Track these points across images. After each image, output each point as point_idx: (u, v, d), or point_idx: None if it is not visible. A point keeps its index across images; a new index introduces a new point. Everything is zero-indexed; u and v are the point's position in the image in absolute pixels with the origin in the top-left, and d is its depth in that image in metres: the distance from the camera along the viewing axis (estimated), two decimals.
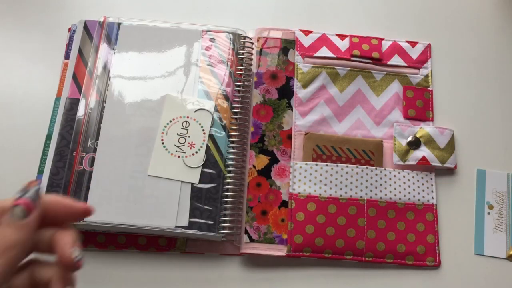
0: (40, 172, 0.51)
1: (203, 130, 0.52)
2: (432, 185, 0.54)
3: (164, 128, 0.52)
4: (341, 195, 0.52)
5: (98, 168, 0.50)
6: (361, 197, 0.52)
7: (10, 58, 0.58)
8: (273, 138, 0.54)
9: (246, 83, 0.56)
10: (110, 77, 0.54)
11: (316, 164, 0.53)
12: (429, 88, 0.58)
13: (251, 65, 0.57)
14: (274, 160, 0.54)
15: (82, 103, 0.52)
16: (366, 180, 0.53)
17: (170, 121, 0.52)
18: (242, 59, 0.56)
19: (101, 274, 0.50)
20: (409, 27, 0.63)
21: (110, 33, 0.56)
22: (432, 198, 0.54)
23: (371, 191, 0.53)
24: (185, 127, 0.52)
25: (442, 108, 0.58)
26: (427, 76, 0.59)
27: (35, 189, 0.30)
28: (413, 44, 0.60)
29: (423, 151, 0.55)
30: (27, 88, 0.57)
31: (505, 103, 0.59)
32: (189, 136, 0.52)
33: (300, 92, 0.56)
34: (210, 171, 0.51)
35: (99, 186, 0.49)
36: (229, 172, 0.51)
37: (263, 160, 0.53)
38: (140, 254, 0.51)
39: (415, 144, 0.55)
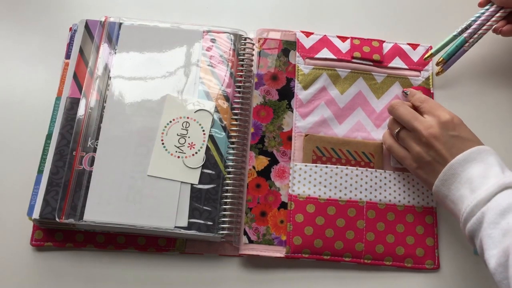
0: (40, 171, 0.51)
1: (203, 130, 0.52)
2: None
3: (164, 128, 0.52)
4: (340, 197, 0.52)
5: (98, 168, 0.50)
6: (360, 199, 0.52)
7: (10, 57, 0.58)
8: (273, 139, 0.54)
9: (246, 84, 0.56)
10: (110, 77, 0.54)
11: (316, 166, 0.53)
12: (430, 91, 0.58)
13: (251, 66, 0.57)
14: (274, 161, 0.54)
15: (82, 103, 0.52)
16: (366, 182, 0.53)
17: (170, 122, 0.52)
18: (242, 60, 0.56)
19: (101, 274, 0.50)
20: (410, 29, 0.62)
21: (111, 33, 0.56)
22: (432, 200, 0.53)
23: (370, 193, 0.53)
24: (185, 127, 0.52)
25: None
26: (428, 78, 0.59)
27: None
28: (414, 46, 0.60)
29: None
30: (27, 87, 0.57)
31: (505, 105, 0.59)
32: (189, 137, 0.52)
33: (300, 94, 0.56)
34: (210, 171, 0.51)
35: (99, 186, 0.49)
36: (229, 173, 0.51)
37: (263, 161, 0.53)
38: (140, 254, 0.51)
39: None
